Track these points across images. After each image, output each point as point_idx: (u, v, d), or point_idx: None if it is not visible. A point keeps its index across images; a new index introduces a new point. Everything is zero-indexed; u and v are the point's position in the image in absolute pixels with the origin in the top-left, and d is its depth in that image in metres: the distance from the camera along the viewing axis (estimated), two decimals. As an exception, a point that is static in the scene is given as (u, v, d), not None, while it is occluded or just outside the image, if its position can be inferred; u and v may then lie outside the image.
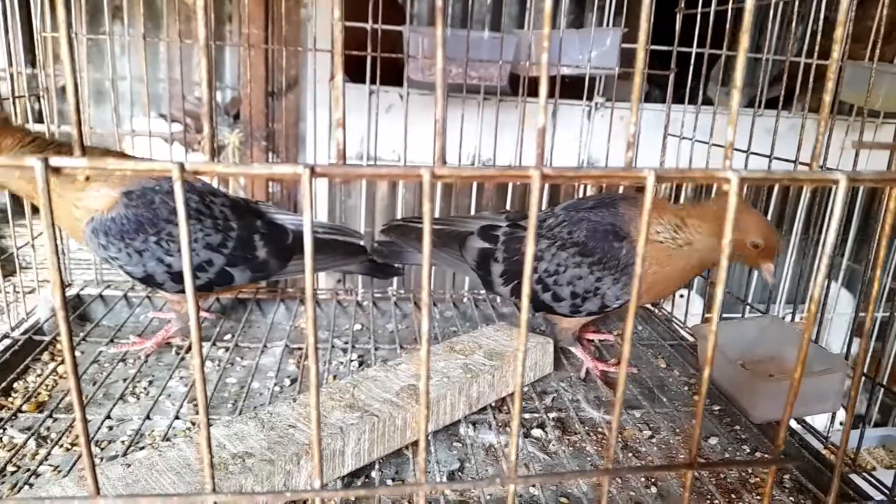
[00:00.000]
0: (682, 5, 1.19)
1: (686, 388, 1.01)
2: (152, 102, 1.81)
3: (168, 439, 0.81)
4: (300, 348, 1.03)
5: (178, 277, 0.93)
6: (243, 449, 0.71)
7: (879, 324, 1.68)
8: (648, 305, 1.27)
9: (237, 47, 1.48)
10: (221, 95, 1.79)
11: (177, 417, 0.84)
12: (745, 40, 0.36)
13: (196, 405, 0.89)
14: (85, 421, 0.36)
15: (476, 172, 0.36)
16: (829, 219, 0.37)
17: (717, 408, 0.94)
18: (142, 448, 0.77)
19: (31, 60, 1.27)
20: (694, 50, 1.20)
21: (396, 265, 1.07)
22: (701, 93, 1.42)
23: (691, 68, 1.22)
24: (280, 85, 1.45)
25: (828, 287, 1.82)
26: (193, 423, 0.84)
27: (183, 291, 0.95)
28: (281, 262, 0.97)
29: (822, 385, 0.80)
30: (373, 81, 1.22)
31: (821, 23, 1.13)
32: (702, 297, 1.66)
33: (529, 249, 0.38)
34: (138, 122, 1.59)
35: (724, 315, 1.40)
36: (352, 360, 1.01)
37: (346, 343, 1.06)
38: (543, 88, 0.36)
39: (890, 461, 1.84)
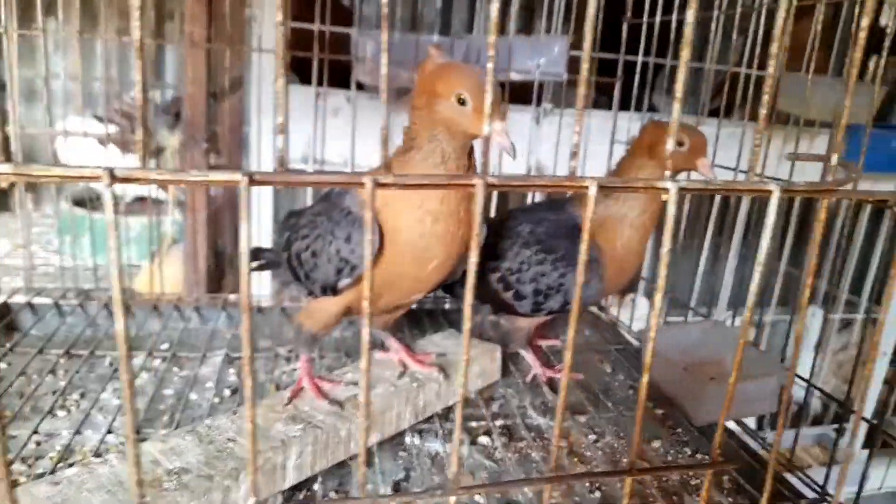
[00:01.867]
0: (629, 14, 1.21)
1: (631, 391, 1.03)
2: (88, 102, 1.74)
3: (99, 455, 0.77)
4: (241, 357, 1.01)
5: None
6: (180, 465, 0.68)
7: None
8: (594, 310, 1.28)
9: (180, 45, 1.44)
10: (161, 95, 1.74)
11: (109, 432, 0.81)
12: (685, 54, 0.36)
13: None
14: (4, 439, 0.33)
15: (419, 181, 0.35)
16: (763, 228, 0.38)
17: (659, 411, 0.96)
18: (71, 465, 0.73)
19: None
20: (640, 58, 1.22)
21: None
22: (647, 100, 1.45)
23: (637, 76, 1.25)
24: (224, 86, 1.42)
25: (762, 292, 1.88)
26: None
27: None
28: None
29: (760, 387, 0.82)
30: (319, 83, 1.20)
31: (760, 35, 1.17)
32: (648, 298, 1.69)
33: (472, 259, 0.38)
34: (72, 122, 1.53)
35: (669, 319, 1.43)
36: (295, 370, 0.98)
37: (291, 352, 1.03)
38: (488, 99, 0.36)
39: (825, 459, 1.91)
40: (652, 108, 1.59)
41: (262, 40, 1.17)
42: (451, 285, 1.02)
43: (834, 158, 0.39)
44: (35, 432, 0.79)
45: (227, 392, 0.92)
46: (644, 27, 1.22)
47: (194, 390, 0.92)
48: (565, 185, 0.36)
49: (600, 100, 1.58)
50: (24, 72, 1.71)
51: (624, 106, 1.39)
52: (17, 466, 0.75)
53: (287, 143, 0.34)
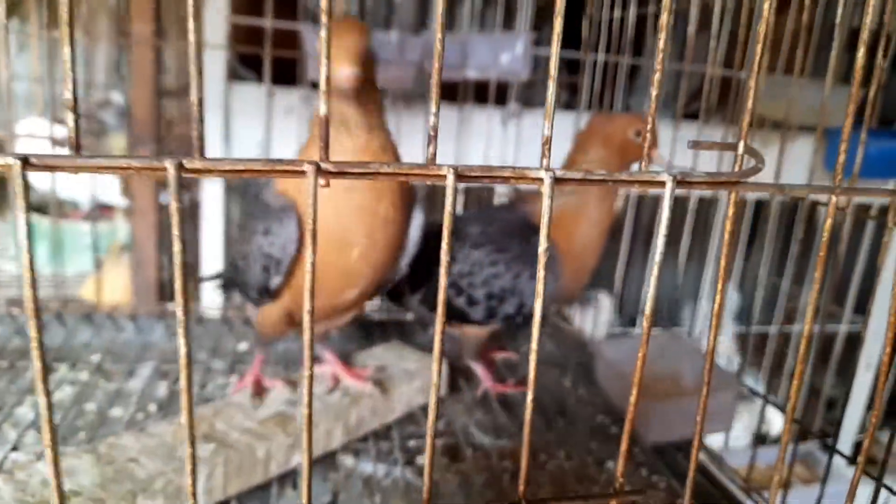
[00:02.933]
0: (590, 11, 1.16)
1: (590, 408, 0.97)
2: (50, 103, 1.69)
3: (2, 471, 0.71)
4: (177, 370, 0.95)
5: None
6: (70, 487, 0.62)
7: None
8: (556, 319, 1.23)
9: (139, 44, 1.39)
10: (125, 96, 1.69)
11: (14, 448, 0.75)
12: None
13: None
14: None
15: (235, 166, 0.29)
16: (657, 224, 0.32)
17: (615, 429, 0.90)
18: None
19: None
20: (600, 57, 1.17)
21: None
22: (621, 101, 1.40)
23: (598, 76, 1.20)
24: (179, 84, 1.37)
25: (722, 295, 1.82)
26: (38, 456, 0.75)
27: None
28: None
29: (713, 404, 0.76)
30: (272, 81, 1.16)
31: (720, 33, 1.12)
32: (613, 301, 1.63)
33: (309, 257, 0.32)
34: (28, 124, 1.48)
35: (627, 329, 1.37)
36: (228, 385, 0.93)
37: (228, 365, 0.97)
38: (323, 104, 0.30)
39: (810, 477, 1.84)
40: (627, 109, 1.54)
41: (207, 36, 1.12)
42: (399, 294, 0.97)
43: (741, 146, 0.33)
44: (-66, 450, 0.74)
45: (152, 407, 0.86)
46: (608, 23, 1.17)
47: (117, 405, 0.86)
48: (419, 172, 0.31)
49: (573, 100, 1.52)
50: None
51: (601, 106, 1.34)
52: None
53: (78, 124, 0.29)
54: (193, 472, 0.32)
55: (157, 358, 0.97)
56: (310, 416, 0.32)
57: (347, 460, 0.79)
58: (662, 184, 0.31)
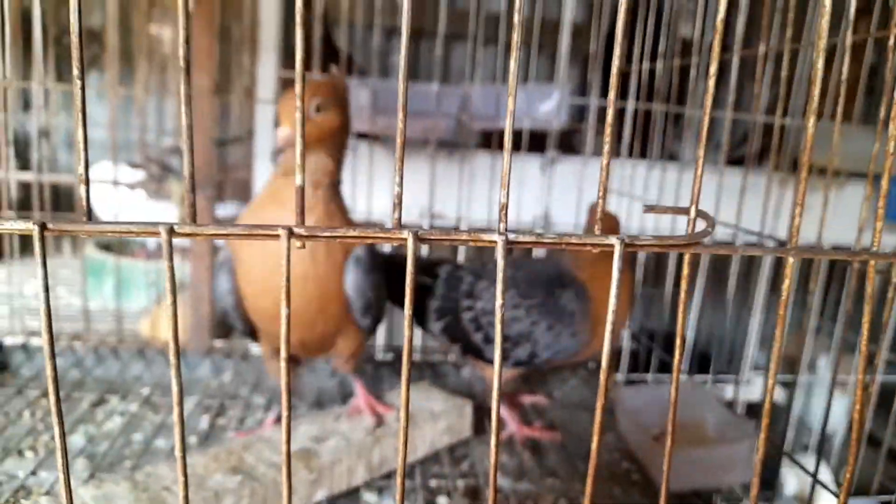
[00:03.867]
0: (621, 63, 1.18)
1: (616, 454, 0.96)
2: (126, 150, 1.83)
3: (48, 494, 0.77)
4: (221, 404, 1.00)
5: None
6: (108, 512, 0.67)
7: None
8: (591, 364, 1.22)
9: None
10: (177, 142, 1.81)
11: (65, 475, 0.81)
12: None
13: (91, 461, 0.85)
14: None
15: (219, 231, 0.33)
16: (612, 282, 0.34)
17: (637, 476, 0.89)
18: (17, 508, 0.74)
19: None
20: (630, 104, 1.19)
21: None
22: (659, 147, 1.40)
23: (630, 122, 1.21)
24: (236, 133, 1.46)
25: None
26: (85, 481, 0.81)
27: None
28: None
29: (729, 454, 0.75)
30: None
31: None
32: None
33: (284, 310, 0.35)
34: (100, 169, 1.60)
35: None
36: (263, 420, 0.97)
37: (268, 401, 1.02)
38: (298, 175, 0.34)
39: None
40: (671, 157, 1.54)
41: (259, 89, 1.20)
42: (421, 319, 0.99)
43: (692, 210, 0.35)
44: (-7, 473, 0.80)
45: (192, 439, 0.92)
46: (642, 72, 1.19)
47: (162, 436, 0.92)
48: (381, 236, 0.34)
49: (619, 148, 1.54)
50: (66, 121, 1.82)
51: (641, 154, 1.35)
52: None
53: (88, 194, 0.34)
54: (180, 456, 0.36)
55: (200, 392, 1.03)
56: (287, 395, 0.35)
57: (371, 497, 0.82)
58: (610, 246, 0.34)
